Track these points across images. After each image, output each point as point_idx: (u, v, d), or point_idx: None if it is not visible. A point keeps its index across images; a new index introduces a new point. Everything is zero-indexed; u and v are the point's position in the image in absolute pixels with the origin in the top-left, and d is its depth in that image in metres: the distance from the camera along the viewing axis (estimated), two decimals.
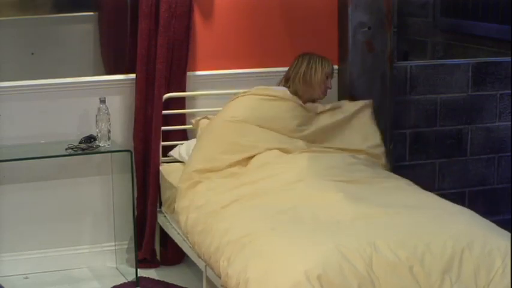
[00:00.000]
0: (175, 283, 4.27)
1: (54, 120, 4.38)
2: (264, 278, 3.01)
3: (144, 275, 4.36)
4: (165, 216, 4.38)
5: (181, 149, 4.36)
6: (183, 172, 4.04)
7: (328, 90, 4.29)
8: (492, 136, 4.96)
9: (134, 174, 4.35)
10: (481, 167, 4.98)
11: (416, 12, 5.97)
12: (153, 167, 4.40)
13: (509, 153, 4.99)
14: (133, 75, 4.41)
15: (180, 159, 4.34)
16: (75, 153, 4.20)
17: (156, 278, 4.37)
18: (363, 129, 4.26)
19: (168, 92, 4.40)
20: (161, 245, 4.54)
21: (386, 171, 4.11)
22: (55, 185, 4.43)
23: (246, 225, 3.36)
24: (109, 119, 4.26)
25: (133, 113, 4.43)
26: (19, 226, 4.40)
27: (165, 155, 4.45)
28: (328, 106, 4.27)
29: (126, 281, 4.31)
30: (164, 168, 4.39)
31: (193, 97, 4.52)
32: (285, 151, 3.99)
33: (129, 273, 4.38)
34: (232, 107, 4.18)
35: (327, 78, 4.25)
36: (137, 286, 4.25)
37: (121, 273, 4.45)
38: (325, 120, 4.22)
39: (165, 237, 4.46)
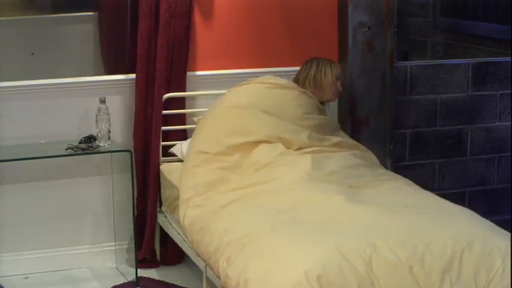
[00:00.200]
0: (175, 283, 4.27)
1: (54, 120, 4.38)
2: (264, 278, 3.01)
3: (144, 275, 4.36)
4: (165, 216, 4.38)
5: (183, 146, 4.35)
6: (186, 155, 4.03)
7: (339, 92, 4.31)
8: (492, 136, 4.96)
9: (134, 174, 4.35)
10: (481, 167, 4.98)
11: (416, 12, 5.97)
12: (153, 167, 4.40)
13: (509, 153, 4.99)
14: (133, 75, 4.41)
15: (181, 157, 4.33)
16: (75, 153, 4.20)
17: (156, 278, 4.37)
18: None
19: (168, 92, 4.40)
20: (161, 245, 4.54)
21: (387, 171, 4.10)
22: (55, 185, 4.43)
23: (246, 226, 3.35)
24: (109, 119, 4.26)
25: (134, 113, 4.43)
26: (19, 226, 4.40)
27: (165, 155, 4.45)
28: None
29: (126, 281, 4.31)
30: (165, 167, 4.39)
31: (193, 97, 4.52)
32: (287, 143, 3.96)
33: (129, 273, 4.38)
34: (236, 94, 4.15)
35: (337, 80, 4.27)
36: (137, 286, 4.25)
37: (121, 273, 4.45)
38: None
39: (165, 237, 4.46)
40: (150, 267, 4.48)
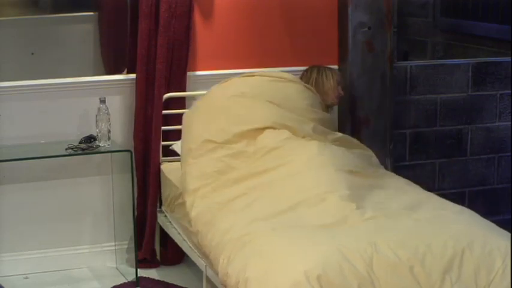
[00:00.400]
0: (175, 283, 4.27)
1: (54, 120, 4.38)
2: (264, 277, 3.01)
3: (144, 275, 4.36)
4: (165, 216, 4.37)
5: None
6: (182, 149, 4.02)
7: (340, 97, 4.34)
8: (492, 136, 4.96)
9: (134, 174, 4.35)
10: (481, 167, 4.98)
11: (416, 12, 5.98)
12: (153, 167, 4.40)
13: (509, 153, 4.99)
14: (133, 75, 4.41)
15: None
16: (75, 153, 4.20)
17: (156, 278, 4.37)
18: None
19: (168, 92, 4.40)
20: (161, 245, 4.54)
21: (387, 172, 4.10)
22: (55, 185, 4.43)
23: (247, 224, 3.35)
24: (109, 119, 4.26)
25: (134, 113, 4.43)
26: (19, 226, 4.40)
27: (165, 154, 4.45)
28: None
29: (126, 281, 4.31)
30: (165, 166, 4.39)
31: (193, 97, 4.51)
32: (292, 130, 3.92)
33: (129, 273, 4.38)
34: (238, 84, 4.14)
35: (338, 85, 4.31)
36: (137, 286, 4.25)
37: (121, 273, 4.45)
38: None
39: (165, 237, 4.46)
40: (150, 267, 4.48)
